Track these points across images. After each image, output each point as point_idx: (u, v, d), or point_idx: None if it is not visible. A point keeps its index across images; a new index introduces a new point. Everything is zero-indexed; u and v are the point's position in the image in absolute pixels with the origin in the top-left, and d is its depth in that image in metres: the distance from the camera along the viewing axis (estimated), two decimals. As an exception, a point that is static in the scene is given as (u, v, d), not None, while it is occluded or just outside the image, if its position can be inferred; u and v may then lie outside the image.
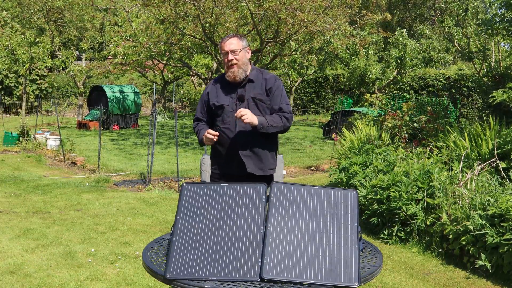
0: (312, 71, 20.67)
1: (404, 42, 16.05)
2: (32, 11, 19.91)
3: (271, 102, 3.12)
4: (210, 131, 3.02)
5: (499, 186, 5.04)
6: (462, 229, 4.58)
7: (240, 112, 2.92)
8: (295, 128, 17.26)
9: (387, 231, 5.36)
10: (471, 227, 4.47)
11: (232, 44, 3.06)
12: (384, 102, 11.15)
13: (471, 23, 10.96)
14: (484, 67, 11.01)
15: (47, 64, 17.69)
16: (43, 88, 21.49)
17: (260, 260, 2.22)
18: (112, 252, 4.86)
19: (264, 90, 3.11)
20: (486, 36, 10.47)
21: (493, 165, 5.55)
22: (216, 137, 3.01)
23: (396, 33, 16.31)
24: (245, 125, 3.04)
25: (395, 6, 30.65)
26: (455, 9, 10.99)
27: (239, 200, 2.44)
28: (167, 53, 13.94)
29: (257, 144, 3.11)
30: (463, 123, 10.98)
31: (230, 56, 3.05)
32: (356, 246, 2.29)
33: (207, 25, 11.61)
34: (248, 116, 2.93)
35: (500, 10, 8.90)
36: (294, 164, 10.34)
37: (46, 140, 12.22)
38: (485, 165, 5.53)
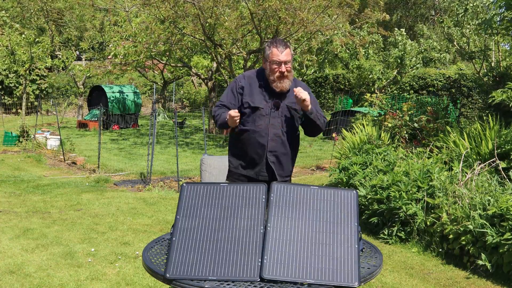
0: (312, 71, 20.65)
1: (404, 42, 16.05)
2: (32, 11, 19.91)
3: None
4: (232, 111, 2.97)
5: (499, 186, 5.04)
6: (462, 229, 4.58)
7: (299, 92, 2.94)
8: (295, 128, 17.23)
9: (387, 231, 5.36)
10: (471, 227, 4.47)
11: (287, 55, 3.00)
12: (384, 102, 11.14)
13: (471, 23, 10.95)
14: (484, 67, 11.01)
15: (47, 64, 17.70)
16: (43, 88, 21.50)
17: (260, 260, 2.22)
18: (112, 252, 4.86)
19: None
20: (486, 36, 10.47)
21: (493, 165, 5.56)
22: (239, 118, 2.98)
23: (395, 32, 16.31)
24: (276, 131, 3.05)
25: (395, 6, 30.64)
26: (455, 8, 10.99)
27: (239, 200, 2.44)
28: (167, 53, 13.94)
29: (284, 152, 3.11)
30: (463, 123, 10.98)
31: (283, 68, 2.99)
32: (356, 246, 2.29)
33: (207, 25, 11.61)
34: (308, 98, 2.96)
35: (501, 10, 8.90)
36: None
37: (46, 140, 12.22)
38: (485, 165, 5.53)
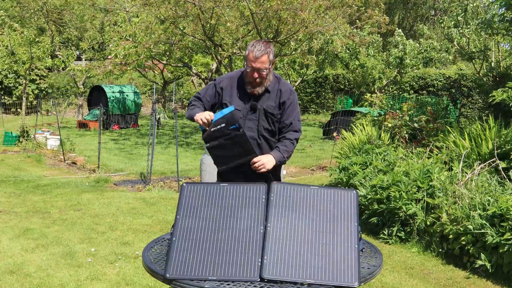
0: (312, 71, 20.66)
1: (403, 42, 16.06)
2: (31, 11, 19.90)
3: (282, 116, 3.05)
4: (207, 115, 2.86)
5: (499, 186, 5.04)
6: (462, 229, 4.58)
7: (256, 164, 2.87)
8: (295, 128, 17.23)
9: (387, 231, 5.36)
10: (471, 227, 4.48)
11: (262, 62, 2.88)
12: (384, 102, 11.15)
13: (471, 24, 10.96)
14: (484, 67, 11.02)
15: (47, 64, 17.67)
16: (42, 88, 21.49)
17: (260, 260, 2.22)
18: (112, 252, 4.86)
19: (277, 103, 3.03)
20: (486, 36, 10.47)
21: (493, 165, 5.56)
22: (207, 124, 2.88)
23: (395, 33, 16.31)
24: (252, 134, 2.99)
25: (395, 6, 30.65)
26: (455, 9, 11.01)
27: (239, 200, 2.44)
28: (167, 53, 13.93)
29: (261, 154, 3.06)
30: (463, 123, 10.98)
31: (256, 75, 2.91)
32: (356, 246, 2.29)
33: (208, 25, 11.61)
34: (266, 165, 2.88)
35: (500, 10, 8.90)
36: (294, 164, 10.34)
37: (46, 140, 12.21)
38: (485, 165, 5.53)
